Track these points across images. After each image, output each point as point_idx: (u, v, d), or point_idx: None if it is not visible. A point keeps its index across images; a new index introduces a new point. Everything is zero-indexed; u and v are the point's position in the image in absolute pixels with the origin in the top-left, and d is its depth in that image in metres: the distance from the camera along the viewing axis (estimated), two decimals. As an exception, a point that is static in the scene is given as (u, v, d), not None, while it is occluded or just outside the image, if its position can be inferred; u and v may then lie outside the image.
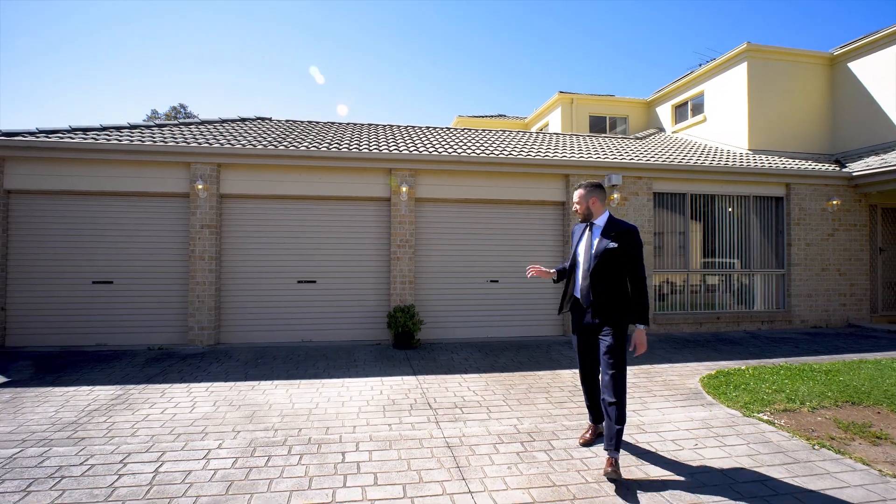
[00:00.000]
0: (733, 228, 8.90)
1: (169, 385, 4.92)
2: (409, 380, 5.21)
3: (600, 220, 3.22)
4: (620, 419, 2.91)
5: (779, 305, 8.93)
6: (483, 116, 17.31)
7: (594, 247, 3.12)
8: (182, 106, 40.86)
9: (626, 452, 3.34)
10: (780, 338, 7.88)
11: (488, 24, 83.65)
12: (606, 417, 2.98)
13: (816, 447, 3.46)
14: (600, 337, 3.08)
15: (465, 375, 5.42)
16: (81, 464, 3.08)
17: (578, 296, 3.21)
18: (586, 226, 3.26)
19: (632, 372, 5.57)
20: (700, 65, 12.87)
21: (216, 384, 4.96)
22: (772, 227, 9.03)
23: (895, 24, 9.52)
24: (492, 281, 7.82)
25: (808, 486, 2.87)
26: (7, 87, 51.68)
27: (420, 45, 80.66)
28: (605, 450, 2.96)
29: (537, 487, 2.83)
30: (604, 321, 3.06)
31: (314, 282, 7.33)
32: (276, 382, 5.05)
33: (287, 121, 9.97)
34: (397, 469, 3.05)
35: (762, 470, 3.09)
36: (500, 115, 17.94)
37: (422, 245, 7.63)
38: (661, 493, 2.77)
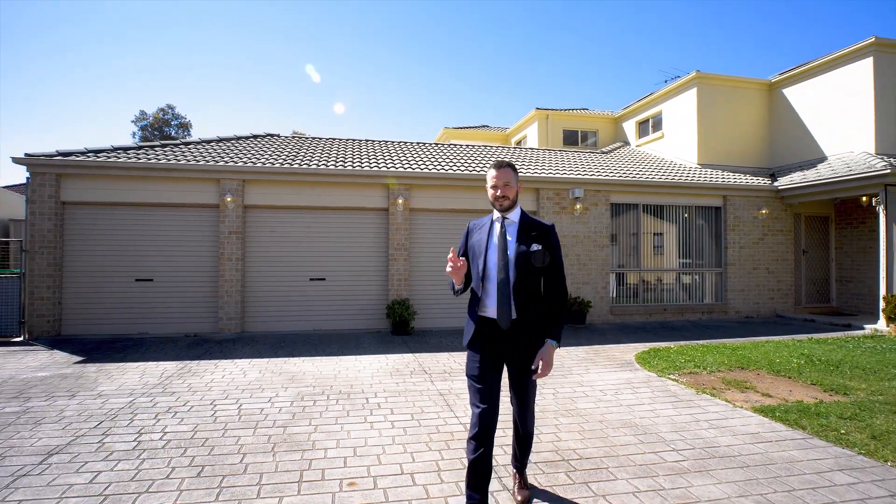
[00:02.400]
0: (679, 233, 10.46)
1: (217, 361, 6.20)
2: (408, 356, 6.58)
3: (515, 216, 2.49)
4: (529, 448, 2.75)
5: (717, 299, 10.51)
6: (468, 128, 18.73)
7: (514, 250, 2.40)
8: (170, 107, 41.58)
9: (571, 396, 4.76)
10: (714, 325, 9.44)
11: (474, 35, 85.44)
12: (520, 452, 2.75)
13: (699, 393, 4.93)
14: (515, 365, 2.46)
15: (451, 353, 6.80)
16: (184, 405, 4.39)
17: (493, 316, 2.40)
18: (492, 223, 2.51)
19: (583, 350, 7.02)
20: (666, 81, 14.45)
21: (254, 360, 6.26)
22: (712, 232, 10.62)
23: (819, 59, 11.20)
24: (474, 278, 9.21)
25: (682, 412, 4.32)
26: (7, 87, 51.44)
27: (416, 51, 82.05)
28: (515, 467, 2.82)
29: (504, 416, 4.22)
30: (524, 343, 2.41)
31: (324, 279, 8.64)
32: (302, 358, 6.37)
33: (293, 136, 11.23)
34: (406, 406, 4.42)
35: (654, 406, 4.53)
36: (484, 126, 19.38)
37: (415, 248, 8.99)
38: (583, 417, 4.19)
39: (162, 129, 40.81)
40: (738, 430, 3.88)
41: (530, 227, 2.46)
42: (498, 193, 2.46)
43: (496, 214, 2.51)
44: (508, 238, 2.44)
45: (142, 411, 4.21)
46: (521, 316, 2.37)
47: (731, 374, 5.72)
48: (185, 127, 42.05)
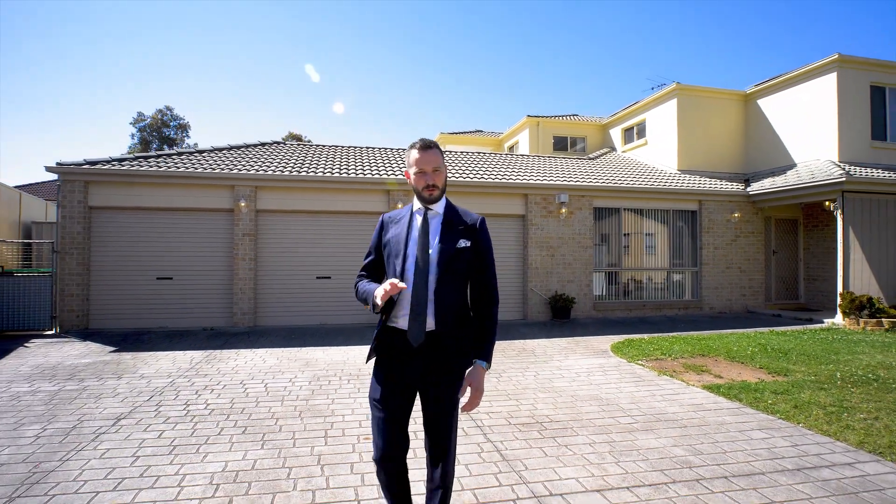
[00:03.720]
0: (658, 235, 11.27)
1: (238, 350, 6.93)
2: (408, 346, 7.34)
3: (440, 207, 2.07)
4: None
5: (693, 296, 11.33)
6: (462, 133, 19.48)
7: (436, 247, 1.97)
8: (168, 108, 42.02)
9: (549, 377, 5.53)
10: (688, 320, 10.26)
11: (473, 36, 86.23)
12: None
13: (660, 375, 5.72)
14: (430, 394, 1.94)
15: (447, 344, 7.57)
16: (217, 384, 5.12)
17: (403, 327, 1.93)
18: (412, 215, 2.08)
19: (565, 341, 7.81)
20: (653, 88, 15.27)
21: (270, 349, 7.00)
22: (688, 234, 11.43)
23: (790, 72, 12.04)
24: (468, 277, 9.99)
25: (641, 389, 5.10)
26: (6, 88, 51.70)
27: (416, 52, 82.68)
28: None
29: (490, 392, 4.98)
30: (443, 365, 1.93)
31: (329, 277, 9.37)
32: (313, 348, 7.12)
33: (299, 144, 11.96)
34: (408, 385, 5.18)
35: (620, 384, 5.30)
36: (478, 131, 20.15)
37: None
38: (558, 393, 4.96)
39: (160, 130, 41.25)
40: (686, 402, 4.67)
41: (457, 221, 2.04)
42: (428, 182, 1.98)
43: (417, 205, 2.07)
44: (431, 233, 1.99)
45: (183, 389, 4.94)
46: (440, 328, 1.90)
47: (692, 360, 6.51)
48: (183, 128, 42.50)
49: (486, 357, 1.97)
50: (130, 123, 41.14)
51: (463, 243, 1.98)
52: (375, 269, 2.16)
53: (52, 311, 8.29)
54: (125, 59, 60.97)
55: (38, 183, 22.28)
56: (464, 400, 1.98)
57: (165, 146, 40.01)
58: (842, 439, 3.73)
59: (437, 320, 1.91)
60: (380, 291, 1.83)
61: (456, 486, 2.92)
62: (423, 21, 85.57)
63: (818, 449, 3.56)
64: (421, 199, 2.04)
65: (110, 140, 60.01)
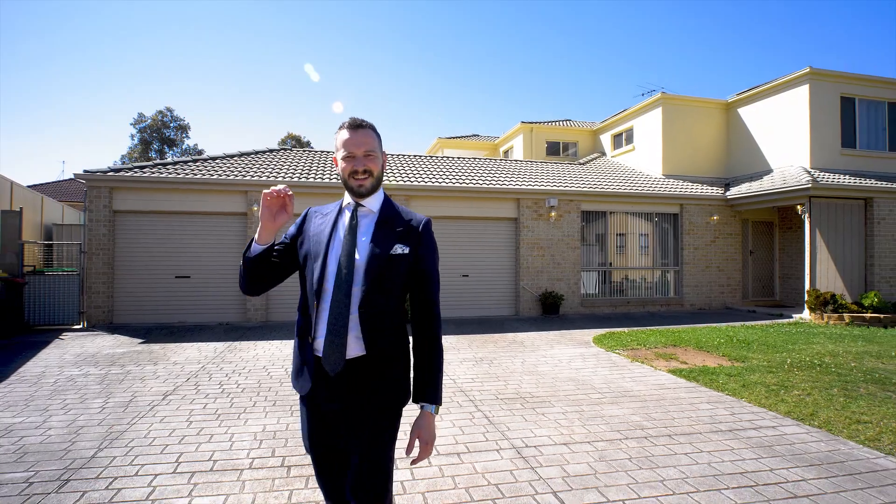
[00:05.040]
0: (643, 236, 12.03)
1: (255, 341, 7.65)
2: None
3: (375, 203, 1.66)
4: None
5: (675, 293, 12.10)
6: (460, 137, 20.22)
7: (366, 253, 1.57)
8: (168, 109, 42.61)
9: (535, 363, 6.27)
10: (669, 315, 11.02)
11: (470, 38, 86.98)
12: None
13: (633, 361, 6.46)
14: (356, 442, 1.54)
15: (445, 336, 8.28)
16: (243, 368, 5.84)
17: (319, 353, 1.54)
18: (340, 211, 1.68)
19: (553, 334, 8.55)
20: (643, 95, 16.14)
21: (285, 340, 7.71)
22: (671, 235, 12.20)
23: (768, 83, 12.82)
24: (463, 275, 10.73)
25: (614, 373, 5.85)
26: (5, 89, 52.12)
27: (415, 54, 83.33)
28: None
29: (482, 375, 5.72)
30: (370, 403, 1.54)
31: (335, 276, 10.09)
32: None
33: (305, 150, 12.68)
34: (410, 369, 5.91)
35: (596, 369, 6.05)
36: (475, 136, 20.89)
37: (413, 249, 10.46)
38: (541, 375, 5.71)
39: (161, 131, 41.80)
40: (650, 383, 5.41)
41: (395, 221, 1.64)
42: (357, 168, 1.59)
43: (347, 199, 1.68)
44: (360, 234, 1.60)
45: (214, 373, 5.66)
46: (370, 352, 1.53)
47: (664, 349, 7.26)
48: (183, 129, 43.02)
49: (436, 398, 1.57)
50: (131, 124, 41.75)
51: (400, 249, 1.58)
52: (280, 255, 1.66)
53: (80, 307, 8.98)
54: (126, 60, 61.45)
55: (43, 183, 22.90)
56: (413, 452, 1.57)
57: (166, 147, 40.66)
58: (773, 410, 4.48)
59: (367, 343, 1.52)
60: (262, 198, 1.51)
61: (450, 441, 3.66)
62: (423, 22, 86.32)
63: (751, 416, 4.31)
64: (350, 190, 1.63)
65: (111, 141, 60.53)
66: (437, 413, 1.61)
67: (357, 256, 1.56)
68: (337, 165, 1.66)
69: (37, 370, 5.68)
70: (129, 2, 58.98)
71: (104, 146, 63.03)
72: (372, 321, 1.54)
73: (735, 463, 3.34)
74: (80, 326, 8.90)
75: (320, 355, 1.53)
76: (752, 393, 4.98)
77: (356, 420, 1.54)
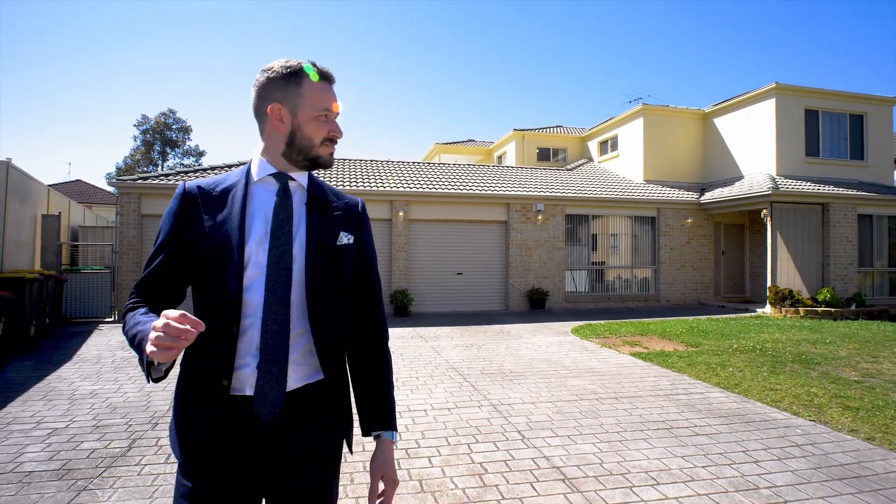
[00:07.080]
0: (623, 238, 13.08)
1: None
2: (409, 329, 9.09)
3: (303, 177, 1.21)
4: None
5: (653, 290, 13.16)
6: (456, 143, 21.24)
7: (304, 241, 1.15)
8: (171, 111, 43.47)
9: (517, 348, 7.29)
10: (646, 310, 12.07)
11: (468, 39, 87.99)
12: None
13: (602, 347, 7.50)
14: (292, 491, 1.13)
15: (440, 327, 9.33)
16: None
17: (243, 393, 1.08)
18: (247, 187, 1.15)
19: (537, 325, 9.59)
20: (630, 102, 17.15)
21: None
22: (649, 236, 13.25)
23: (740, 95, 13.87)
24: (458, 273, 11.75)
25: (583, 355, 6.88)
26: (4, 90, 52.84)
27: (415, 56, 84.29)
28: None
29: (471, 357, 6.75)
30: (320, 441, 1.18)
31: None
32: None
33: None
34: (410, 353, 6.94)
35: (569, 353, 7.08)
36: (470, 141, 21.92)
37: (412, 249, 11.48)
38: (521, 357, 6.74)
39: (163, 132, 42.66)
40: (612, 363, 6.45)
41: (328, 201, 1.23)
42: (338, 133, 1.22)
43: (261, 171, 1.17)
44: (295, 222, 1.15)
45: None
46: (327, 375, 1.17)
47: (632, 337, 8.30)
48: (185, 130, 43.86)
49: (393, 424, 1.25)
50: (134, 125, 42.58)
51: (346, 238, 1.21)
52: (161, 284, 1.14)
53: (112, 302, 9.97)
54: (126, 60, 62.21)
55: (49, 185, 23.79)
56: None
57: (168, 148, 41.57)
58: (707, 381, 5.51)
59: (323, 365, 1.16)
60: (154, 335, 0.87)
61: (440, 401, 4.68)
62: (423, 23, 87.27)
63: (686, 386, 5.34)
64: (313, 161, 1.19)
65: (114, 143, 61.34)
66: (396, 442, 1.16)
67: (294, 248, 1.12)
68: (283, 122, 1.15)
69: (92, 353, 6.68)
70: (129, 2, 59.74)
71: (106, 147, 63.81)
72: (325, 336, 1.16)
73: (660, 415, 4.37)
74: (112, 319, 9.88)
75: (244, 394, 1.08)
76: (694, 370, 6.02)
77: (290, 475, 1.12)
